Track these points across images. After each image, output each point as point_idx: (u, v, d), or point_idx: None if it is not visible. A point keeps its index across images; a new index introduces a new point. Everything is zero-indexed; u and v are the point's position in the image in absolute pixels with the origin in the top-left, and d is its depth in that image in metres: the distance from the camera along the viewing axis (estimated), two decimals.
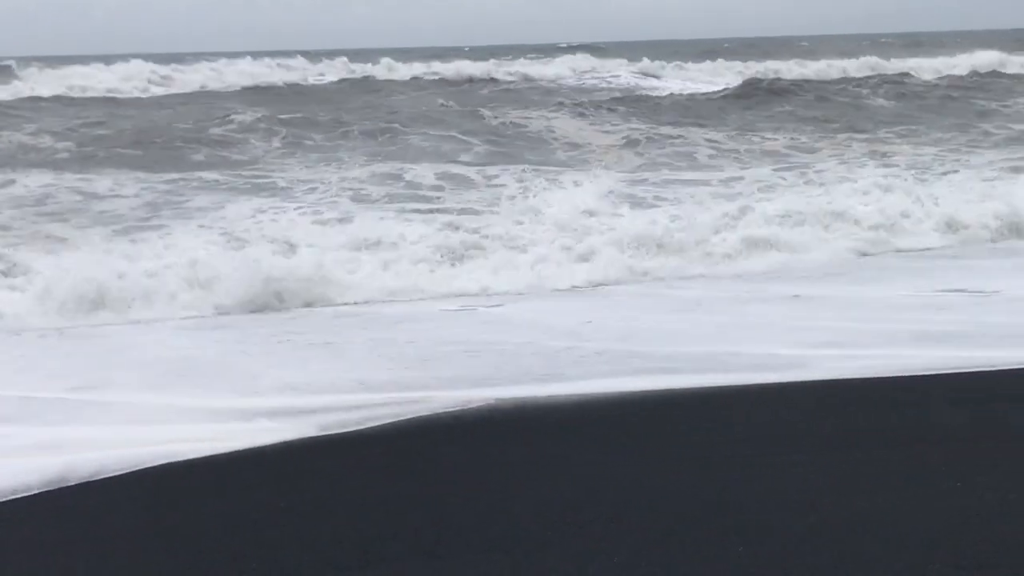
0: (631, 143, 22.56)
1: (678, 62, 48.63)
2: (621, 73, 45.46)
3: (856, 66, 42.55)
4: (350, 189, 16.52)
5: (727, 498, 5.23)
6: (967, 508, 4.95)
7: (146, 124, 24.07)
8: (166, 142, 21.52)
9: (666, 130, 23.92)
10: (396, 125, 23.86)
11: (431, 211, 14.74)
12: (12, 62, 40.45)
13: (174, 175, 18.00)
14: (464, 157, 20.09)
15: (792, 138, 23.28)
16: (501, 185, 16.64)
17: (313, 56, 47.98)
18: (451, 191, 16.50)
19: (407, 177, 17.51)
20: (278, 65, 44.14)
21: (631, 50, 55.86)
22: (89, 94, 35.31)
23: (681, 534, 4.83)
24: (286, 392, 7.39)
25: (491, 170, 18.16)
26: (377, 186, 16.84)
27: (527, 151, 21.20)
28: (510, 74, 44.58)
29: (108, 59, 45.22)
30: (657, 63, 48.08)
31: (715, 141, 22.49)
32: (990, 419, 6.45)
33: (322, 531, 5.04)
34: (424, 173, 17.80)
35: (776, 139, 23.18)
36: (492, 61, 48.22)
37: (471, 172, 17.94)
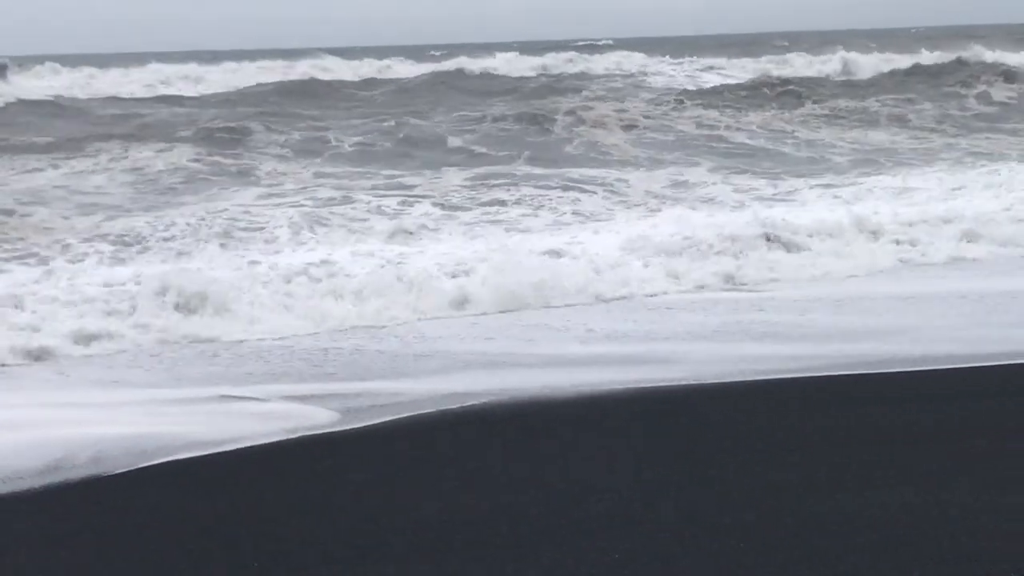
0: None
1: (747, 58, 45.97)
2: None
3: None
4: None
5: (727, 495, 5.23)
6: (961, 505, 4.98)
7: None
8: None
9: None
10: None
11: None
12: (7, 60, 39.56)
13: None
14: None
15: None
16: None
17: (314, 53, 46.99)
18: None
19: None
20: (311, 65, 42.58)
21: (645, 46, 54.74)
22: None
23: (681, 530, 4.83)
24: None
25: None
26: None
27: None
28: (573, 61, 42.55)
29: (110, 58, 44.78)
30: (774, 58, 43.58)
31: None
32: (970, 418, 6.44)
33: (324, 528, 5.05)
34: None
35: None
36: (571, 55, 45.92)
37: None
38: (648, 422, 6.55)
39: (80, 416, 6.89)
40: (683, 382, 7.23)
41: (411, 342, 8.54)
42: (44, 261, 11.26)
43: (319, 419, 6.70)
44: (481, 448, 6.21)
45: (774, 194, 15.71)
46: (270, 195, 15.38)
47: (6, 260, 11.41)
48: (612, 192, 15.78)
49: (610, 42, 66.58)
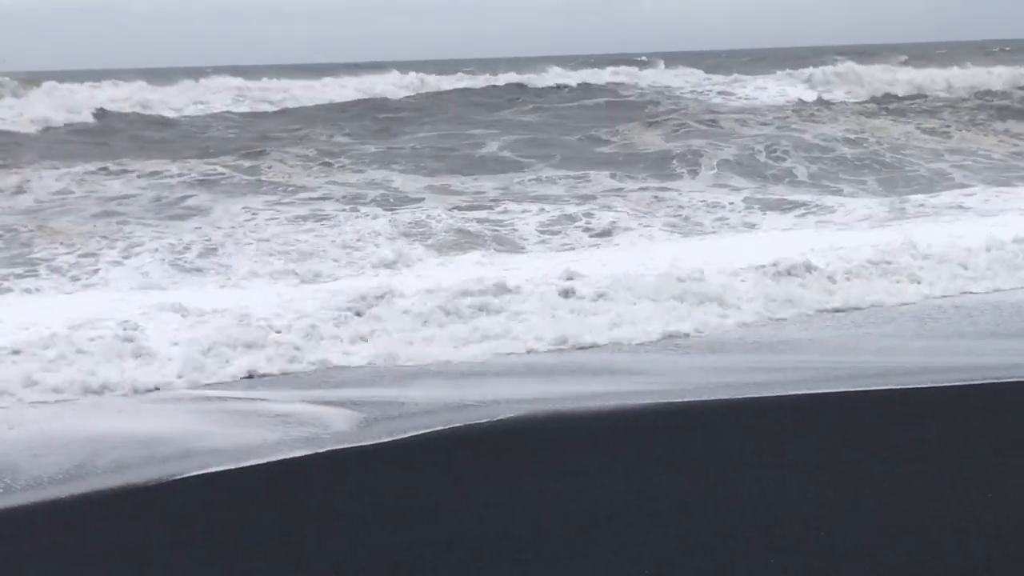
0: None
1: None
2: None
3: None
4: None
5: (759, 509, 5.18)
6: (998, 519, 4.94)
7: None
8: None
9: None
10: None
11: None
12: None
13: None
14: None
15: None
16: None
17: (349, 69, 46.87)
18: None
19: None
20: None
21: (684, 61, 54.13)
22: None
23: (712, 545, 4.79)
24: None
25: None
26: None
27: None
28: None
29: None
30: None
31: None
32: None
33: (354, 541, 5.02)
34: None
35: None
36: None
37: None
38: (681, 436, 6.49)
39: (101, 415, 6.95)
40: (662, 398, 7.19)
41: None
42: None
43: (339, 424, 6.71)
44: (513, 461, 6.15)
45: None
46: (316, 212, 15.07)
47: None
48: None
49: (651, 59, 64.68)
